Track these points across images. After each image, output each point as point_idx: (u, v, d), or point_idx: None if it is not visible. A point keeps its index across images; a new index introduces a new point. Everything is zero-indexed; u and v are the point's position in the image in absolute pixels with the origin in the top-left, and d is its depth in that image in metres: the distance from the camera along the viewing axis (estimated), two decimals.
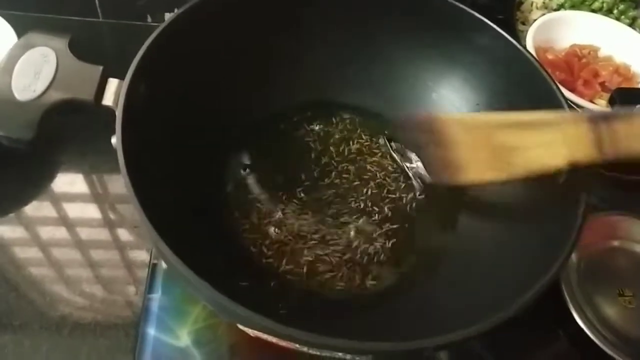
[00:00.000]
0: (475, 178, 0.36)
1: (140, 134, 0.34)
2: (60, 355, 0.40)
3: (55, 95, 0.33)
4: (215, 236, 0.41)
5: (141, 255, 0.46)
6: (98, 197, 0.50)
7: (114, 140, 0.33)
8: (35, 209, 0.48)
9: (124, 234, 0.48)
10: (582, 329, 0.42)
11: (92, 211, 0.49)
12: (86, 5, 0.62)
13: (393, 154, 0.47)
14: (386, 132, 0.48)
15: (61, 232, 0.47)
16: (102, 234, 0.47)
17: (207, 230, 0.40)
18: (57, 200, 0.49)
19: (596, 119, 0.30)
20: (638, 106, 0.32)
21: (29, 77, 0.33)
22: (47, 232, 0.47)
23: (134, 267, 0.46)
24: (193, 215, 0.39)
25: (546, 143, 0.32)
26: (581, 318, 0.42)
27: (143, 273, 0.44)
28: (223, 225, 0.42)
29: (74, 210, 0.48)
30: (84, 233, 0.47)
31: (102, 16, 0.63)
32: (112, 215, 0.49)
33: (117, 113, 0.33)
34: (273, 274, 0.40)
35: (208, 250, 0.37)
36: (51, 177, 0.50)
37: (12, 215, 0.47)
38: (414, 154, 0.45)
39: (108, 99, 0.34)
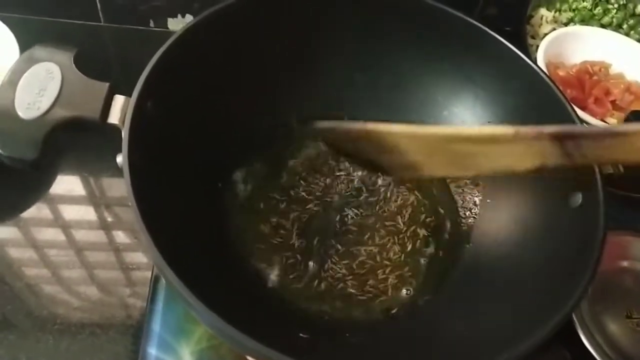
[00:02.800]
0: (436, 174, 0.34)
1: (146, 152, 0.33)
2: None
3: (60, 113, 0.32)
4: (222, 260, 0.40)
5: (144, 264, 0.46)
6: (96, 200, 0.50)
7: (119, 159, 0.32)
8: (33, 214, 0.48)
9: (124, 238, 0.47)
10: (588, 351, 0.42)
11: (91, 214, 0.48)
12: (88, 9, 0.61)
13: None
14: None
15: (60, 237, 0.47)
16: (102, 238, 0.47)
17: (217, 255, 0.40)
18: (56, 204, 0.49)
19: (561, 136, 0.29)
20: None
21: (33, 93, 0.31)
22: (45, 238, 0.46)
23: (133, 272, 0.45)
24: (202, 239, 0.38)
25: (510, 154, 0.31)
26: (588, 340, 0.42)
27: (145, 280, 0.44)
28: (232, 248, 0.41)
29: (72, 214, 0.48)
30: (83, 236, 0.47)
31: (103, 20, 0.62)
32: (111, 219, 0.49)
33: (123, 133, 0.32)
34: (287, 306, 0.40)
35: (216, 276, 0.36)
36: (50, 183, 0.50)
37: (11, 221, 0.47)
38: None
39: (114, 117, 0.33)
